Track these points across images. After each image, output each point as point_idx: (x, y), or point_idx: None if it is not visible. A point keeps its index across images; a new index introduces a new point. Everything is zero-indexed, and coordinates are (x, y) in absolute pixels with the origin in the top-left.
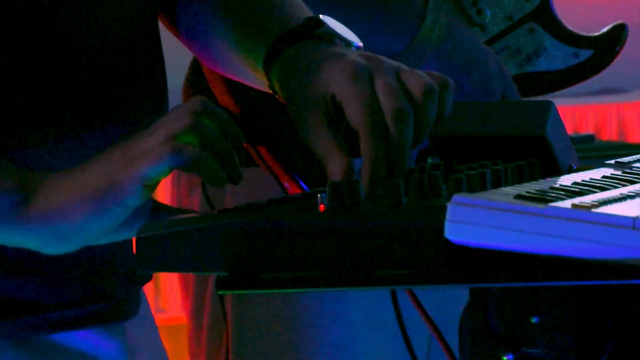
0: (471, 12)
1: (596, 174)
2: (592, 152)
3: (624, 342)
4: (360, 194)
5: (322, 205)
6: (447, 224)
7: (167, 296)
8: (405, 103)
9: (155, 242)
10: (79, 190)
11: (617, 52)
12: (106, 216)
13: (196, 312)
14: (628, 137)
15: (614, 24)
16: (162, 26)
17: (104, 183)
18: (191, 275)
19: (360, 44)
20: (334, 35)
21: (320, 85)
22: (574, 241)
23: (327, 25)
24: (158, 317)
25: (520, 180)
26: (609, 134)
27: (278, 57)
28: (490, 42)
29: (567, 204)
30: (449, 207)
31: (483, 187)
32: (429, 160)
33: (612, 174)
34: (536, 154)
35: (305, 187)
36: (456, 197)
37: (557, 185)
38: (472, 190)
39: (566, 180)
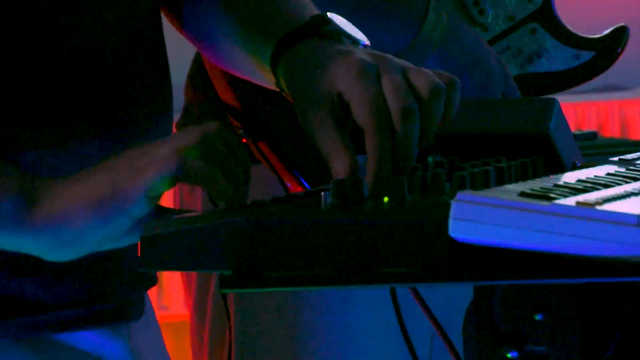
0: (473, 11)
1: (600, 171)
2: (594, 149)
3: (628, 339)
4: (365, 191)
5: None
6: (451, 222)
7: (169, 293)
8: (412, 101)
9: (159, 241)
10: (84, 197)
11: (618, 55)
12: (110, 225)
13: (199, 310)
14: (630, 134)
15: (615, 26)
16: (165, 21)
17: (109, 191)
18: (194, 272)
19: (367, 42)
20: (341, 33)
21: (326, 83)
22: (578, 239)
23: (334, 23)
24: (160, 315)
25: (524, 178)
26: (612, 131)
27: (285, 55)
28: (491, 42)
29: (571, 201)
30: (453, 204)
31: (487, 185)
32: (429, 159)
33: (616, 171)
34: (540, 151)
35: (305, 184)
36: (460, 194)
37: (561, 183)
38: (475, 187)
39: (570, 177)
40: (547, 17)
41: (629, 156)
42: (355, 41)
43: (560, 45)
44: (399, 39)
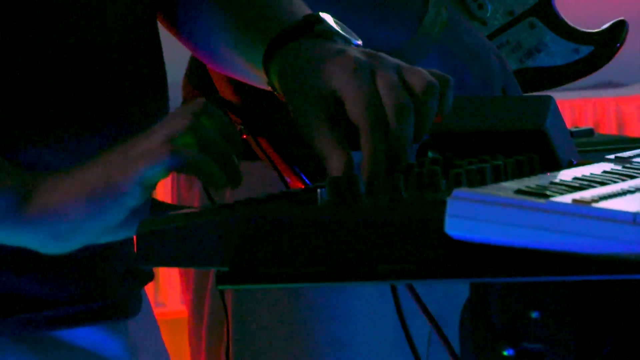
0: (472, 6)
1: (596, 168)
2: (591, 145)
3: (625, 337)
4: (360, 189)
5: None
6: (447, 219)
7: (166, 290)
8: (406, 98)
9: (156, 237)
10: (78, 190)
11: (618, 49)
12: (104, 216)
13: (197, 306)
14: (627, 130)
15: (614, 20)
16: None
17: (103, 183)
18: (191, 269)
19: (359, 41)
20: (333, 33)
21: (320, 81)
22: (574, 236)
23: (327, 23)
24: (157, 311)
25: (520, 175)
26: (608, 128)
27: (277, 54)
28: (490, 36)
29: (567, 198)
30: (449, 202)
31: (483, 182)
32: (430, 154)
33: (612, 169)
34: (536, 148)
35: (305, 179)
36: (456, 191)
37: (557, 180)
38: (471, 185)
39: (566, 175)
40: (546, 12)
41: (625, 154)
42: (347, 40)
43: (560, 39)
44: (399, 34)
